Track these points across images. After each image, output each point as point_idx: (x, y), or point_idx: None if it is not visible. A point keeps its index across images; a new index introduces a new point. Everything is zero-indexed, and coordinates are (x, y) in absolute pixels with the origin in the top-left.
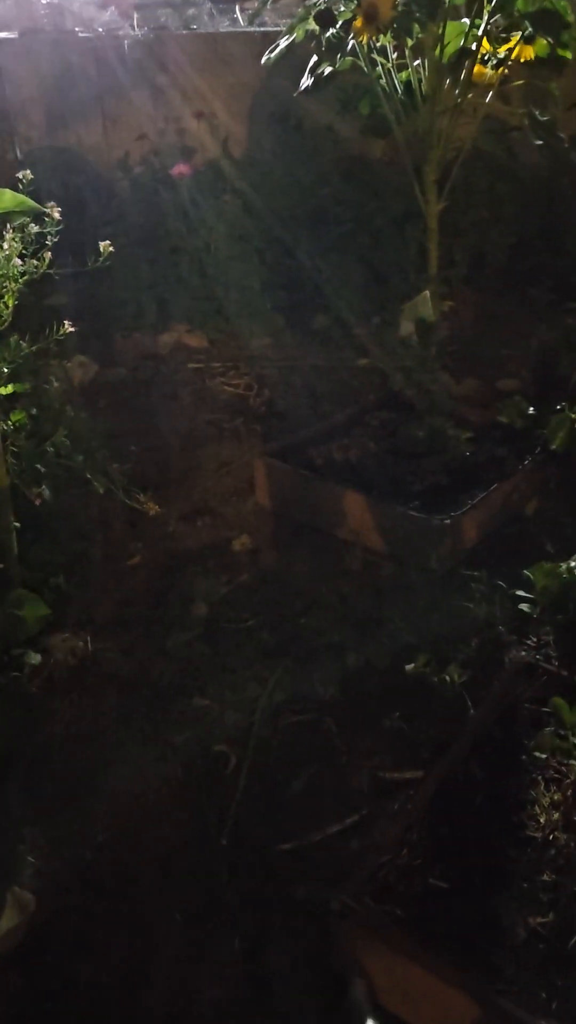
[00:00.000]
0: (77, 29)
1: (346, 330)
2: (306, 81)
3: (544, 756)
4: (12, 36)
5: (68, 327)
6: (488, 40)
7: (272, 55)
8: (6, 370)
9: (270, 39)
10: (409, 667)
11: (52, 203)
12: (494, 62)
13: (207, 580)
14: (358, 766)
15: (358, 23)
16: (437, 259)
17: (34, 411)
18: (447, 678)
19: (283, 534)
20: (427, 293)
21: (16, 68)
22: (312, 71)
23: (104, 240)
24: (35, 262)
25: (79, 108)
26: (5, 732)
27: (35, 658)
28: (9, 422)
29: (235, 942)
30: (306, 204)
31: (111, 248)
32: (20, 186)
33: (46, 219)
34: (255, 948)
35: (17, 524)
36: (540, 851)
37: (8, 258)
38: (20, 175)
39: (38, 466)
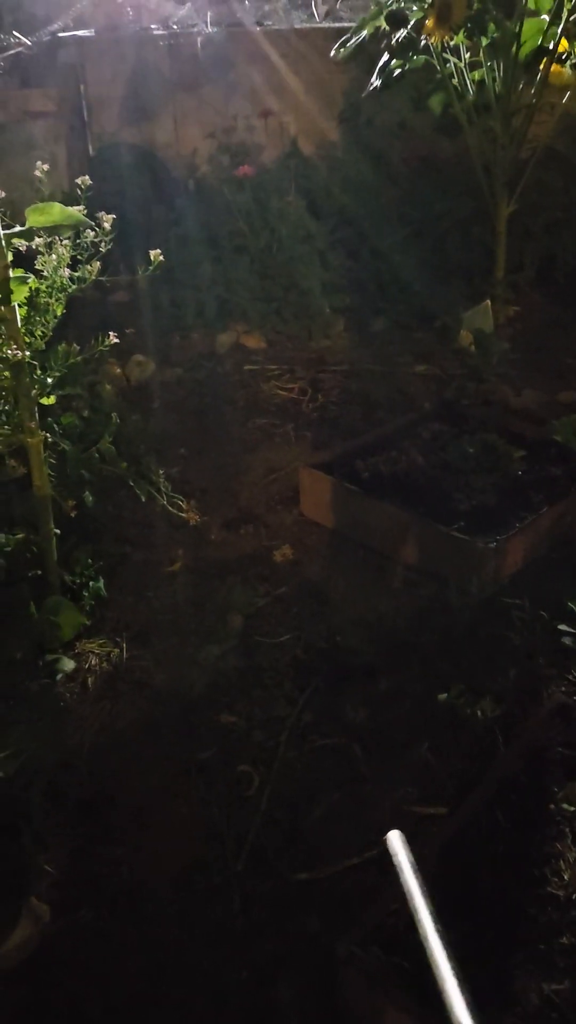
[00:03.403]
0: (153, 26)
1: (406, 334)
2: (375, 80)
3: (573, 809)
4: (89, 34)
5: (113, 338)
6: (568, 39)
7: (342, 51)
8: (51, 380)
9: (343, 35)
10: (442, 697)
11: (102, 212)
12: (573, 61)
13: (245, 591)
14: (381, 797)
15: (430, 23)
16: (504, 263)
17: (86, 413)
18: (479, 712)
19: (325, 547)
20: (487, 303)
21: (93, 65)
22: (382, 71)
23: (168, 239)
24: (88, 268)
25: (151, 105)
26: (33, 740)
27: (68, 665)
28: (58, 425)
29: (243, 973)
30: (372, 204)
31: (162, 256)
32: (79, 192)
33: (100, 228)
34: (263, 981)
35: (57, 531)
36: (561, 911)
37: (56, 268)
38: (79, 180)
39: (83, 472)
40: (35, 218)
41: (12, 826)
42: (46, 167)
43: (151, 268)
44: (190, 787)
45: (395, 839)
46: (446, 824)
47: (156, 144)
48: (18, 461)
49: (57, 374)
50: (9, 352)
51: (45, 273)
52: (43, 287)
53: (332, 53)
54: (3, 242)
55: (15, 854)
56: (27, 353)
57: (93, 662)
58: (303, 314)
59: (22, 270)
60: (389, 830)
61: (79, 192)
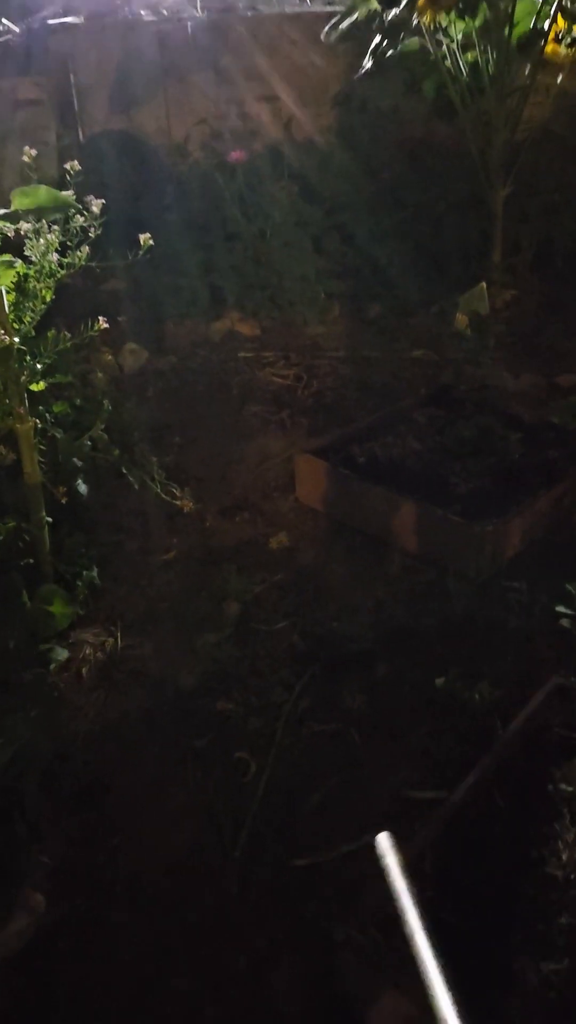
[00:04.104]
0: (142, 12)
1: (402, 320)
2: (368, 62)
3: (571, 789)
4: (78, 21)
5: (104, 323)
6: (563, 17)
7: (332, 34)
8: (39, 366)
9: (336, 18)
10: (440, 681)
11: (91, 196)
12: (568, 40)
13: (241, 578)
14: (380, 782)
15: (421, 2)
16: (501, 246)
17: (78, 402)
18: (477, 696)
19: (321, 533)
20: (483, 285)
21: (82, 52)
22: (374, 52)
23: (161, 226)
24: (78, 253)
25: (142, 92)
26: (27, 730)
27: (62, 654)
28: (50, 414)
29: (241, 960)
30: (366, 188)
31: (154, 243)
32: (68, 177)
33: (88, 212)
34: (261, 966)
35: (49, 519)
36: (560, 891)
37: (44, 253)
38: (68, 166)
39: (75, 460)
40: (20, 200)
41: (6, 815)
42: (34, 152)
43: (141, 252)
44: (187, 775)
45: (384, 841)
46: (444, 807)
47: (147, 131)
48: (7, 448)
49: (47, 360)
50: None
51: (33, 258)
52: (31, 272)
53: (323, 36)
54: None
55: (9, 844)
56: (16, 339)
57: (87, 651)
58: (298, 300)
59: (9, 255)
60: (388, 814)
61: (69, 178)
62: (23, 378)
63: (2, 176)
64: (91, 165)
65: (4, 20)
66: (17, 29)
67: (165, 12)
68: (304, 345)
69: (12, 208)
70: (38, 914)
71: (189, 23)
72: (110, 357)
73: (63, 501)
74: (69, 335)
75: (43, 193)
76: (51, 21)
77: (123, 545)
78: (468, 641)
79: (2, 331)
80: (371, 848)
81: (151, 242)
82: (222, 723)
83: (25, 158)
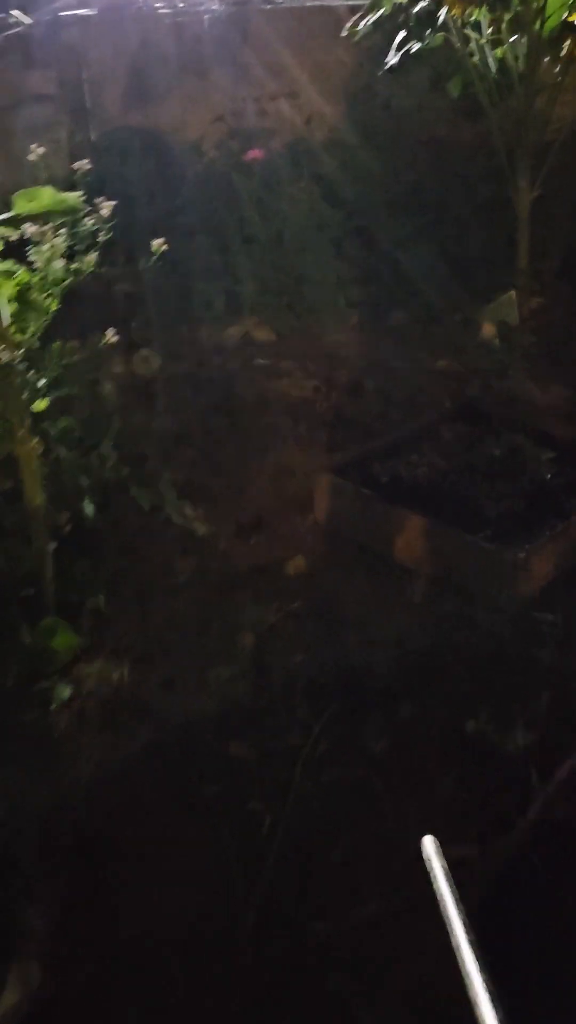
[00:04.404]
0: (157, 4)
1: (424, 328)
2: (392, 58)
3: None
4: (91, 12)
5: (113, 336)
6: None
7: (358, 28)
8: (43, 382)
9: (359, 12)
10: (469, 724)
11: (102, 198)
12: None
13: (257, 606)
14: (406, 836)
15: None
16: (527, 251)
17: (87, 415)
18: (510, 741)
19: (341, 557)
20: (512, 294)
21: (95, 45)
22: (399, 48)
23: (175, 227)
24: (86, 259)
25: (157, 87)
26: (25, 779)
27: (64, 693)
28: (55, 428)
29: None
30: (389, 190)
31: (168, 246)
32: (77, 176)
33: (97, 215)
34: None
35: (53, 544)
36: None
37: (49, 259)
38: (77, 165)
39: (81, 479)
40: (23, 204)
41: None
42: (41, 150)
43: (153, 259)
44: (196, 828)
45: (429, 844)
46: (481, 872)
47: (162, 128)
48: (7, 470)
49: (53, 374)
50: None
51: (37, 265)
52: (35, 280)
53: (346, 31)
54: None
55: (2, 906)
56: (17, 353)
57: (92, 686)
58: (316, 306)
59: (11, 262)
60: (414, 873)
61: (78, 178)
62: (25, 396)
63: (12, 173)
64: (103, 163)
65: (15, 12)
66: (29, 20)
67: (181, 4)
68: (322, 353)
69: (14, 212)
70: (32, 988)
71: (206, 16)
72: (120, 368)
73: (66, 530)
74: (76, 344)
75: (48, 196)
76: (63, 13)
77: (131, 568)
78: (499, 678)
79: (2, 347)
80: (398, 912)
81: (164, 247)
82: (235, 768)
83: (32, 157)
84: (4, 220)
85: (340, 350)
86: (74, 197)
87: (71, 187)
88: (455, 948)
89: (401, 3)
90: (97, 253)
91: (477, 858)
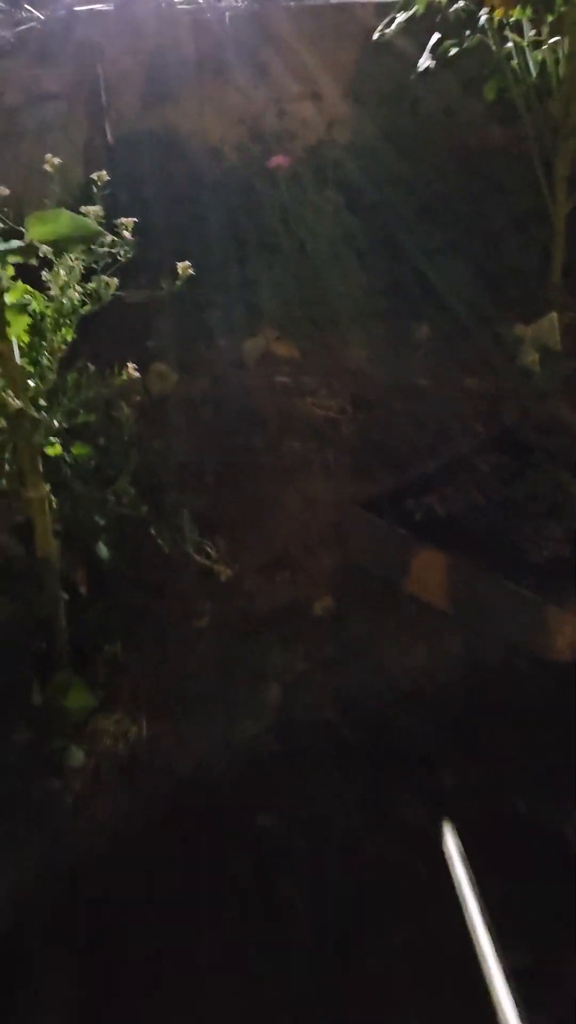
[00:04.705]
0: (177, 2)
1: (454, 344)
2: (426, 60)
3: None
4: (108, 8)
5: (133, 370)
6: None
7: (388, 29)
8: (57, 423)
9: (385, 11)
10: (519, 804)
11: (122, 219)
12: None
13: (283, 653)
14: (454, 936)
15: None
16: (562, 264)
17: (101, 441)
18: (568, 830)
19: (371, 599)
20: (553, 316)
21: (111, 43)
22: (434, 50)
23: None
24: (108, 282)
25: (175, 87)
26: (35, 857)
27: (77, 757)
28: (68, 455)
29: None
30: (416, 199)
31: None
32: (95, 188)
33: (119, 238)
34: None
35: (66, 596)
36: None
37: (64, 288)
38: (96, 176)
39: (97, 519)
40: (38, 228)
41: (2, 975)
42: (57, 160)
43: (178, 282)
44: (220, 913)
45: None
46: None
47: (180, 131)
48: (16, 511)
49: (69, 407)
50: (9, 399)
51: (53, 292)
52: (49, 311)
53: (377, 33)
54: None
55: (4, 1012)
56: (31, 390)
57: (107, 743)
58: (340, 320)
59: (23, 288)
60: (461, 981)
61: (95, 188)
62: (37, 438)
63: (23, 176)
64: (119, 167)
65: (28, 6)
66: (42, 16)
67: (201, 1)
68: (347, 370)
69: (28, 236)
70: None
71: (227, 13)
72: (137, 396)
73: (82, 590)
74: (92, 368)
75: (65, 220)
76: (77, 8)
77: (148, 609)
78: (549, 747)
79: (11, 393)
80: None
81: (191, 271)
82: (262, 842)
83: (47, 167)
84: (17, 249)
85: (365, 367)
86: (93, 222)
87: (87, 196)
88: (471, 931)
89: (439, 3)
90: (116, 279)
91: (534, 970)
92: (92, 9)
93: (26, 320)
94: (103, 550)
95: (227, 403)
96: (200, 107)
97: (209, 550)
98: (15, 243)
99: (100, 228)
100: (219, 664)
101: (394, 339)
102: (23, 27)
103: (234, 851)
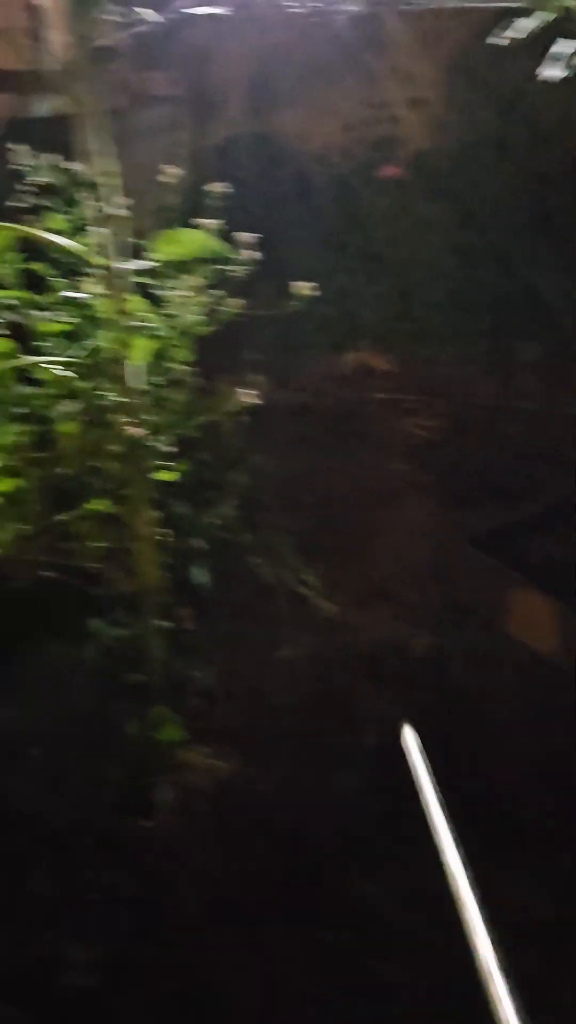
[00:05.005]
0: (289, 4)
1: (566, 367)
2: (551, 70)
3: None
4: (219, 11)
5: (252, 397)
6: None
7: (508, 34)
8: (170, 448)
9: (506, 16)
10: None
11: (247, 235)
12: None
13: (380, 695)
14: None
15: None
16: None
17: (204, 456)
18: None
19: (480, 644)
20: None
21: (221, 46)
22: (561, 57)
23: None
24: (229, 301)
25: (283, 91)
26: (125, 914)
27: (167, 796)
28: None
29: None
30: (529, 212)
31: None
32: (210, 199)
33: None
34: None
35: (166, 624)
36: None
37: (186, 308)
38: (213, 187)
39: (196, 542)
40: (166, 248)
41: None
42: (174, 171)
43: (295, 303)
44: (320, 989)
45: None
46: None
47: (287, 135)
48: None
49: (182, 433)
50: (128, 427)
51: (172, 311)
52: (171, 334)
53: (495, 38)
54: (125, 281)
55: None
56: (149, 415)
57: (197, 781)
58: (444, 336)
59: (146, 307)
60: None
61: (208, 199)
62: (148, 463)
63: (130, 179)
64: (226, 171)
65: (138, 9)
66: (157, 19)
67: (315, 5)
68: (450, 389)
69: (158, 257)
70: None
71: (338, 17)
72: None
73: (189, 625)
74: (205, 383)
75: (195, 240)
76: (188, 11)
77: (242, 636)
78: None
79: (131, 421)
80: None
81: (315, 292)
82: (361, 911)
83: (163, 178)
84: (148, 270)
85: (469, 386)
86: (221, 242)
87: (196, 204)
88: (431, 827)
89: (573, 8)
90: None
91: None
92: (204, 12)
93: (151, 346)
94: (201, 575)
95: (324, 419)
96: (308, 112)
97: (308, 579)
98: (144, 263)
99: (227, 250)
100: (313, 702)
101: (501, 358)
102: (133, 30)
103: (332, 918)
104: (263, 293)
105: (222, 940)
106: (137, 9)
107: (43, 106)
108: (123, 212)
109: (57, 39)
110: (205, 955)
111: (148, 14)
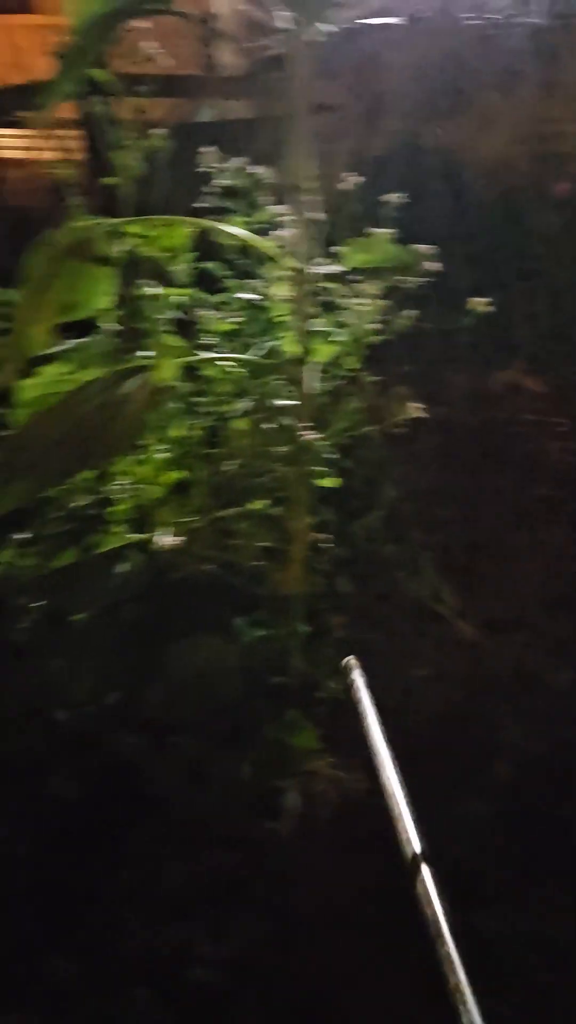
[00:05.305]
0: (465, 15)
1: None
2: None
3: None
4: (390, 21)
5: (418, 409)
6: None
7: None
8: (329, 455)
9: None
10: None
11: (426, 247)
12: None
13: (516, 725)
14: None
15: None
16: None
17: (349, 464)
18: None
19: None
20: None
21: (390, 56)
22: None
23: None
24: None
25: (452, 103)
26: (251, 919)
27: (295, 802)
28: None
29: None
30: None
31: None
32: (382, 210)
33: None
34: None
35: (307, 628)
36: None
37: (365, 316)
38: (390, 198)
39: (342, 551)
40: (356, 256)
41: None
42: (354, 179)
43: (465, 319)
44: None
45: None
46: None
47: (454, 148)
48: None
49: (347, 441)
50: (301, 431)
51: (350, 320)
52: (346, 338)
53: None
54: (314, 285)
55: None
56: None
57: (323, 791)
58: None
59: (325, 318)
60: None
61: (383, 208)
62: (312, 470)
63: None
64: (388, 181)
65: (318, 23)
66: (334, 28)
67: (493, 16)
68: None
69: (347, 264)
70: None
71: (515, 29)
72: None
73: (339, 633)
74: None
75: (385, 249)
76: (359, 21)
77: (372, 646)
78: None
79: (301, 425)
80: None
81: (489, 308)
82: (485, 948)
83: (343, 186)
84: (338, 274)
85: None
86: (410, 252)
87: (364, 215)
88: (370, 746)
89: None
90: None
91: None
92: (376, 22)
93: (330, 351)
94: (346, 584)
95: (467, 435)
96: (477, 125)
97: (445, 597)
98: (336, 268)
99: (413, 259)
100: (442, 724)
101: None
102: (307, 39)
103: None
104: (426, 305)
105: (342, 951)
106: (316, 23)
107: (208, 111)
108: (320, 216)
109: (228, 47)
110: (325, 965)
111: (323, 24)
